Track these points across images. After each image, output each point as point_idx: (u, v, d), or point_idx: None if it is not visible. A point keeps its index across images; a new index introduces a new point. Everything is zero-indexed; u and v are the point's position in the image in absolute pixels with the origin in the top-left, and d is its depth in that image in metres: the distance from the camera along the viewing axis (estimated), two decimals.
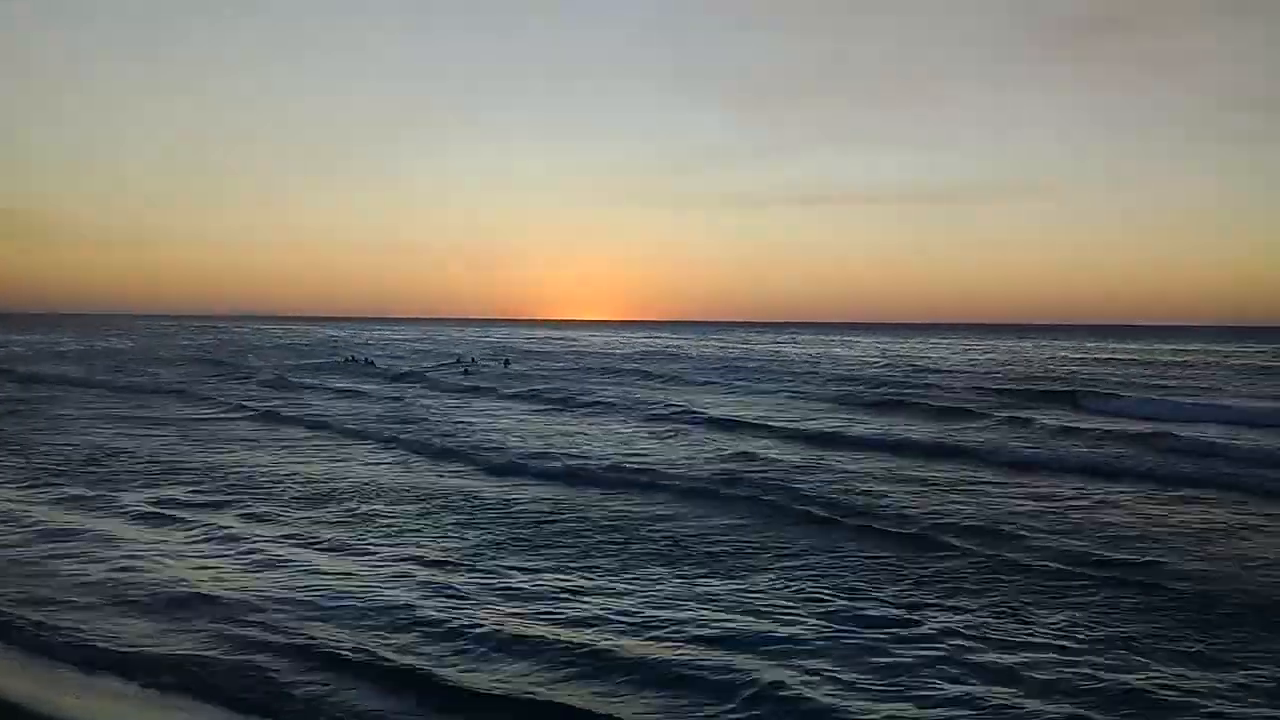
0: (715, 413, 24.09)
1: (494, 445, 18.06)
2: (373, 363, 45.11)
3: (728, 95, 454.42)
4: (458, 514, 12.03)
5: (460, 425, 21.27)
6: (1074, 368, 46.79)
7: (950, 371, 42.86)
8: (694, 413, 23.95)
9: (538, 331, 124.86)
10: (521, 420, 22.90)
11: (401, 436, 19.18)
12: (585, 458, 16.67)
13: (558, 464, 15.88)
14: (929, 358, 56.88)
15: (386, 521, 11.50)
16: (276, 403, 26.11)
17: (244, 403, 25.85)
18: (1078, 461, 16.94)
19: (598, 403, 27.06)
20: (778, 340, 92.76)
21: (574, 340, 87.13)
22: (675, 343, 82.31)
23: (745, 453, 17.22)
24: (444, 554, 9.89)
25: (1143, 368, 46.76)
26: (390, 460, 16.61)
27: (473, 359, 48.67)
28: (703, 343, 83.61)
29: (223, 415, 23.36)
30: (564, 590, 8.60)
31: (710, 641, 7.22)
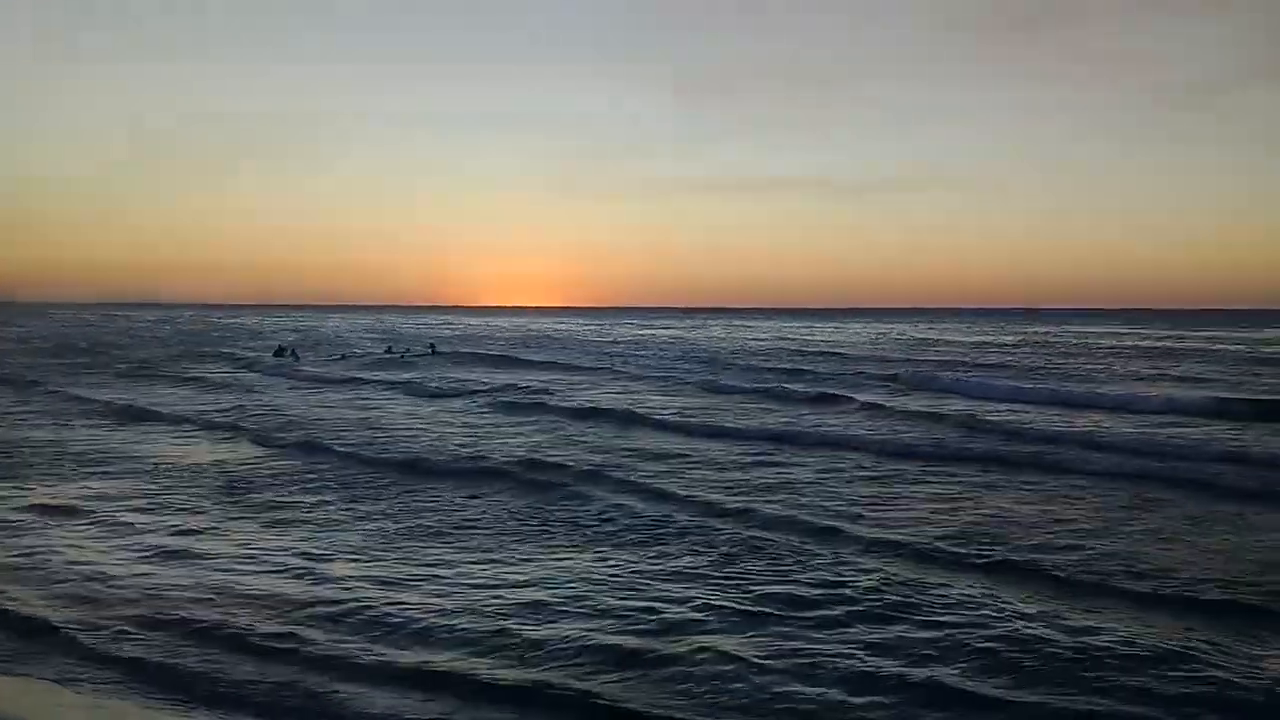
0: (576, 398, 25.24)
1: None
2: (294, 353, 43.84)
3: (656, 85, 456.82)
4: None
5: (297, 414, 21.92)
6: (951, 350, 49.15)
7: (827, 354, 44.75)
8: (547, 395, 25.47)
9: (470, 319, 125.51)
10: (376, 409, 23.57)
11: (241, 424, 19.97)
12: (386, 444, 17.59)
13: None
14: (829, 341, 59.31)
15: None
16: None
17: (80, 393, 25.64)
18: (825, 436, 18.35)
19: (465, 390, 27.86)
20: (693, 326, 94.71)
21: (503, 327, 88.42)
22: (589, 327, 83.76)
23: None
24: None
25: (1004, 351, 49.17)
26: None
27: (406, 349, 47.61)
28: (619, 328, 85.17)
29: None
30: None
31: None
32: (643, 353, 47.07)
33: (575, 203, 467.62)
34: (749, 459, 15.63)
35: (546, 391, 26.65)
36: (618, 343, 57.81)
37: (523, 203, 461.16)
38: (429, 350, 46.36)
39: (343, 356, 42.30)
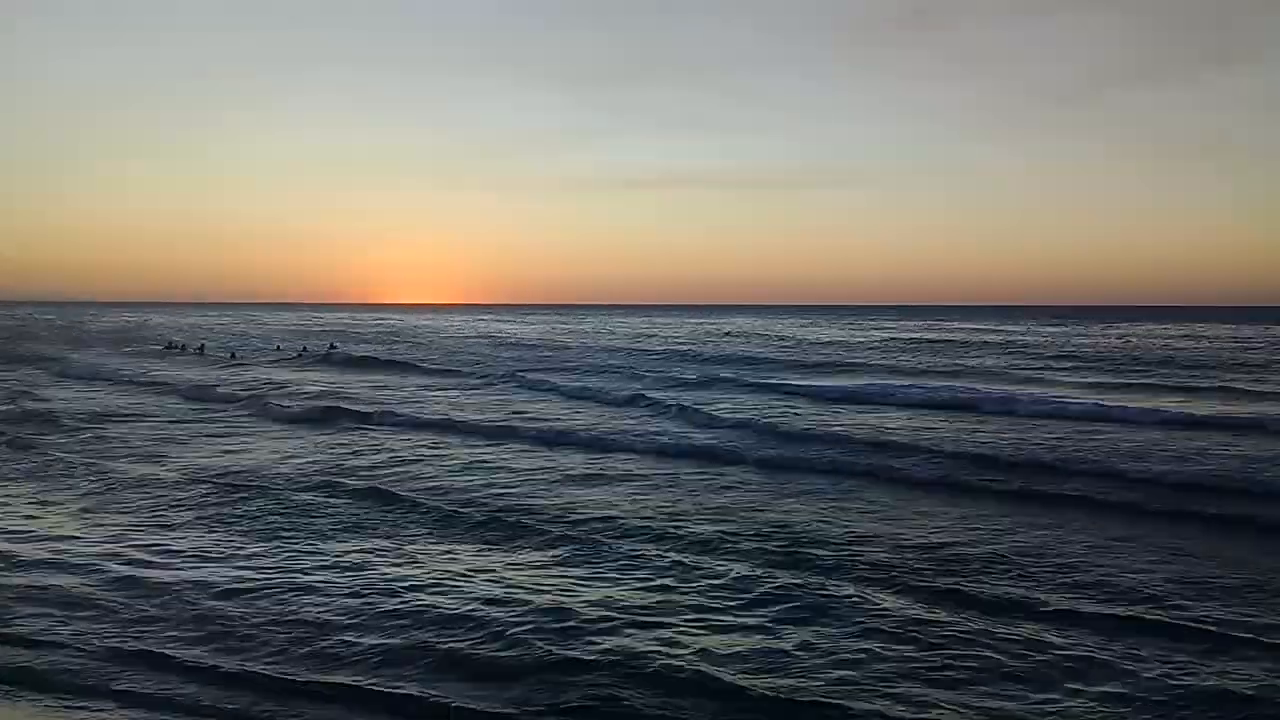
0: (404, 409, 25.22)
1: None
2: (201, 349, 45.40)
3: (558, 81, 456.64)
4: None
5: None
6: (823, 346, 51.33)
7: (650, 351, 45.94)
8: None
9: (364, 315, 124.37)
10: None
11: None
12: None
13: None
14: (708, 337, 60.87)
15: None
16: None
17: None
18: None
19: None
20: (581, 323, 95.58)
21: (402, 324, 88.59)
22: (482, 327, 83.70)
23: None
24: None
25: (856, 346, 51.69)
26: None
27: (304, 347, 47.40)
28: (522, 326, 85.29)
29: None
30: None
31: None
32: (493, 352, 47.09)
33: (465, 197, 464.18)
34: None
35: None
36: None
37: (413, 199, 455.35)
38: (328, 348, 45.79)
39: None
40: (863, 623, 7.51)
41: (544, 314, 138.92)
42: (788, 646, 7.05)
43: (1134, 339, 58.01)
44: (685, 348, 48.44)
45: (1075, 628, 7.53)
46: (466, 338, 61.26)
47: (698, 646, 7.03)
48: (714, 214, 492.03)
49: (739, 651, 6.96)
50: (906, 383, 27.44)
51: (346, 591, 8.38)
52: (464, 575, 8.85)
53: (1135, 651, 7.04)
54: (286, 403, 23.28)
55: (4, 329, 69.81)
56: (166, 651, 7.11)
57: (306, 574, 8.99)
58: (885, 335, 63.56)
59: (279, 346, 49.14)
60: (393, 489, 13.02)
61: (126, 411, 22.25)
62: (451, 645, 7.11)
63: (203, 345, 48.15)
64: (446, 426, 19.84)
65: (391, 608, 7.90)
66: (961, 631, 7.35)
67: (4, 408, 22.40)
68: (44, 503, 12.30)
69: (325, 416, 21.30)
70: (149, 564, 9.36)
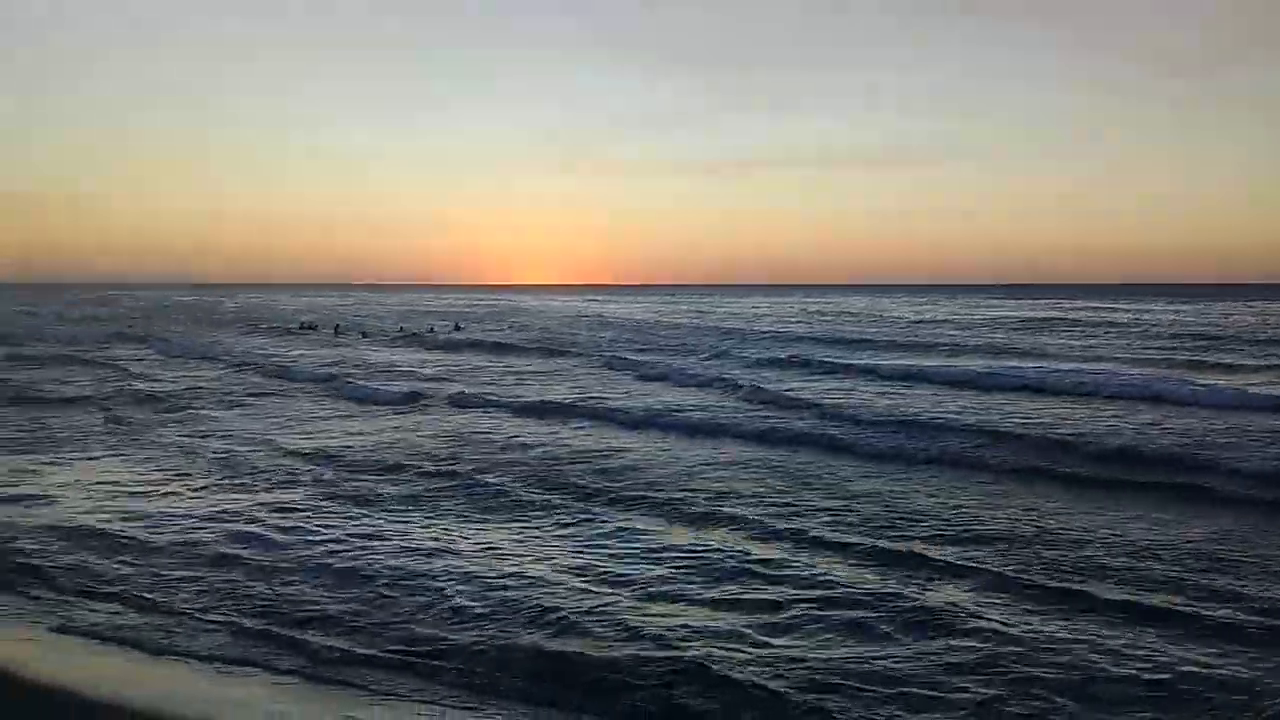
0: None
1: None
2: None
3: (669, 62, 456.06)
4: None
5: None
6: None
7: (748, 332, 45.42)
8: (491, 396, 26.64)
9: (480, 297, 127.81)
10: None
11: None
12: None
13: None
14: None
15: None
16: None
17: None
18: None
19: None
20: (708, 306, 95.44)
21: (524, 305, 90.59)
22: (600, 309, 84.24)
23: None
24: None
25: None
26: None
27: (432, 327, 50.79)
28: (626, 307, 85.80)
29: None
30: None
31: None
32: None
33: (580, 180, 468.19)
34: None
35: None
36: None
37: (526, 182, 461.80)
38: (453, 329, 49.13)
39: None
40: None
41: (659, 295, 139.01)
42: None
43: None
44: (791, 328, 47.55)
45: None
46: (580, 317, 62.05)
47: None
48: (827, 192, 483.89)
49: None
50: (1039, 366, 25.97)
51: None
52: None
53: None
54: (397, 384, 23.68)
55: (141, 309, 73.90)
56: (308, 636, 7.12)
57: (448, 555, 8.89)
58: (1017, 315, 61.09)
59: (401, 327, 51.19)
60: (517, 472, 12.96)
61: (257, 390, 23.11)
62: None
63: (337, 326, 50.32)
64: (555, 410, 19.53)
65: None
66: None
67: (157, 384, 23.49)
68: (179, 480, 12.61)
69: (425, 397, 21.58)
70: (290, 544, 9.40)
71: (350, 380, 24.18)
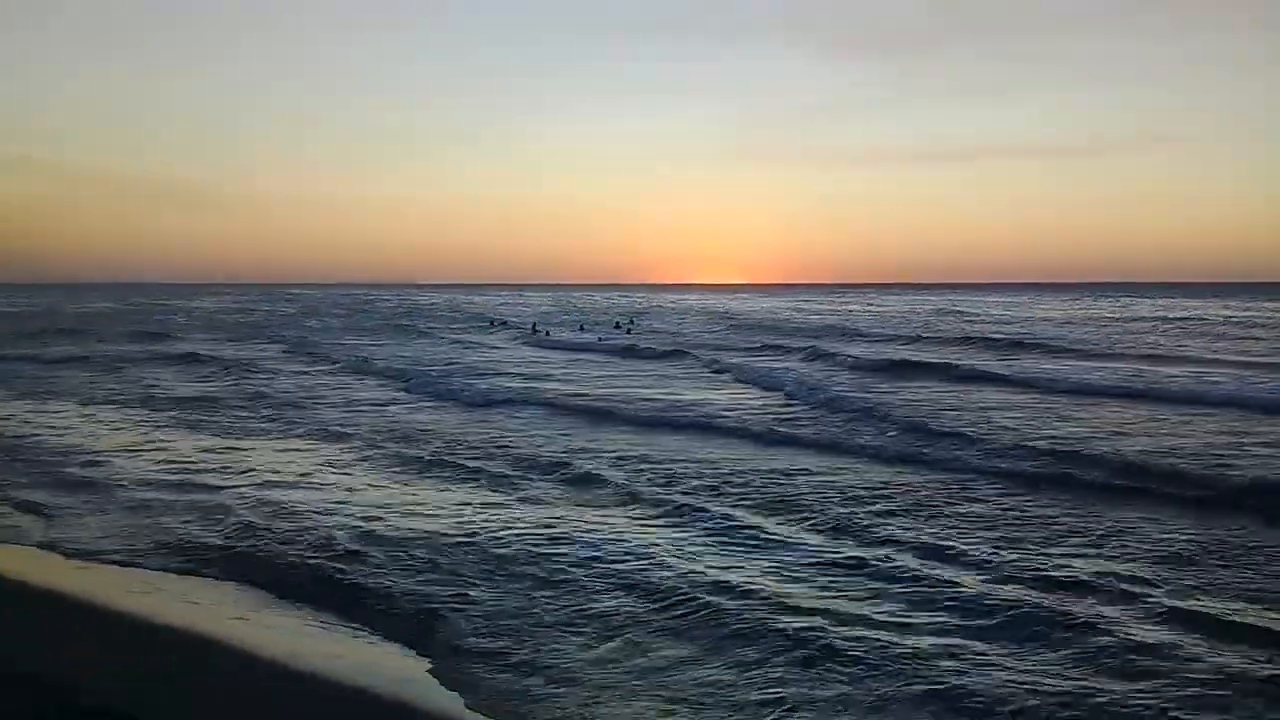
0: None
1: None
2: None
3: (854, 48, 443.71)
4: None
5: None
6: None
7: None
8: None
9: (652, 296, 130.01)
10: None
11: None
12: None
13: None
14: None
15: None
16: None
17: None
18: None
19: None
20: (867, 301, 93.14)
21: (691, 303, 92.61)
22: (769, 307, 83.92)
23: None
24: None
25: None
26: None
27: (620, 322, 54.12)
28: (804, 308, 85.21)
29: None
30: None
31: None
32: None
33: (750, 173, 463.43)
34: None
35: None
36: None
37: (695, 175, 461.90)
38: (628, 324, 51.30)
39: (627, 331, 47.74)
40: None
41: (842, 293, 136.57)
42: None
43: None
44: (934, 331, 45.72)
45: None
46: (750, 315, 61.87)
47: None
48: (1020, 185, 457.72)
49: None
50: None
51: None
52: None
53: None
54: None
55: (346, 306, 79.35)
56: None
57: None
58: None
59: (582, 326, 52.71)
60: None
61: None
62: None
63: (534, 324, 51.48)
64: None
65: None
66: None
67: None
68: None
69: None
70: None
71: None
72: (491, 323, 54.82)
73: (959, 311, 67.87)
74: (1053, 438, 15.05)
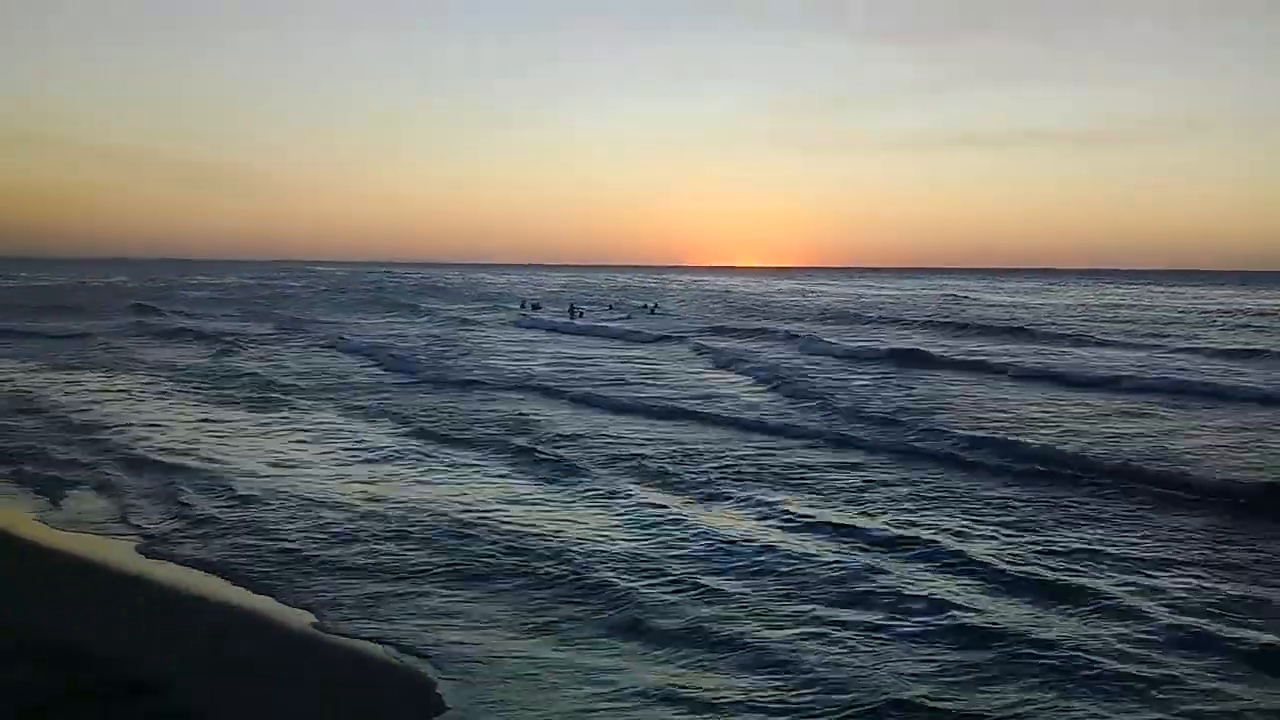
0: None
1: None
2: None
3: (895, 35, 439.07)
4: None
5: None
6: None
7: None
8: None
9: (684, 277, 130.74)
10: None
11: None
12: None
13: None
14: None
15: None
16: None
17: None
18: None
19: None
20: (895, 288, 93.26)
21: (713, 285, 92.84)
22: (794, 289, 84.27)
23: None
24: None
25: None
26: None
27: (648, 304, 54.23)
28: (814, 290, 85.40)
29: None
30: None
31: None
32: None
33: (786, 158, 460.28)
34: None
35: None
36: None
37: (728, 160, 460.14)
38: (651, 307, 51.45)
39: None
40: None
41: (879, 277, 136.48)
42: None
43: None
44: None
45: None
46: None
47: None
48: (1063, 171, 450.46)
49: None
50: None
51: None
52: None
53: None
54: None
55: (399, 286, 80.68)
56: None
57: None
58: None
59: (611, 306, 53.88)
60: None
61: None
62: None
63: (571, 306, 50.54)
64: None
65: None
66: None
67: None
68: None
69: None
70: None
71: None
72: (522, 303, 54.56)
73: (972, 298, 67.77)
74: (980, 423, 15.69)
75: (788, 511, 10.20)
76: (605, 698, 6.01)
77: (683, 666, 6.47)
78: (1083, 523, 9.99)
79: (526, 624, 7.19)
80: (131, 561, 8.77)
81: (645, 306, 52.85)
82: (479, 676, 6.30)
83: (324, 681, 6.39)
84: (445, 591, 7.93)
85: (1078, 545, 9.14)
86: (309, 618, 7.39)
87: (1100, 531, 9.64)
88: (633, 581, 8.00)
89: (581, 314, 45.92)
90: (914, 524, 9.84)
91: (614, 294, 70.87)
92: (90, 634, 6.85)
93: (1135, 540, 9.34)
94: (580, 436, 14.75)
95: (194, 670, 6.35)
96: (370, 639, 6.95)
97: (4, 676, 6.05)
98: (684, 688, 6.12)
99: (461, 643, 6.84)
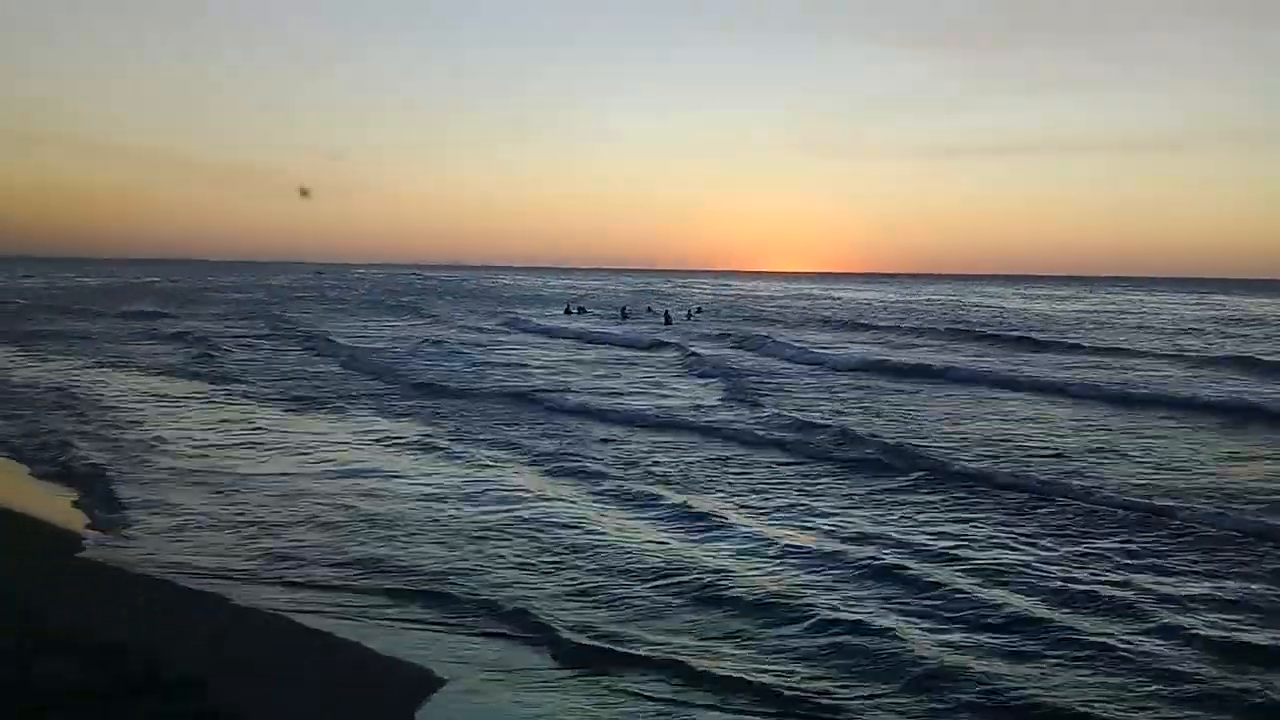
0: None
1: None
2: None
3: (921, 45, 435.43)
4: None
5: None
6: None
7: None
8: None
9: (716, 282, 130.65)
10: None
11: None
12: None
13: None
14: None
15: None
16: None
17: None
18: None
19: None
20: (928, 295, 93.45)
21: (750, 291, 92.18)
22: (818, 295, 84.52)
23: None
24: None
25: None
26: None
27: (690, 310, 52.12)
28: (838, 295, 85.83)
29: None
30: None
31: None
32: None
33: (825, 165, 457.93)
34: None
35: None
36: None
37: (767, 164, 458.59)
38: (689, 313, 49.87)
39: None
40: None
41: (903, 283, 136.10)
42: None
43: None
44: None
45: None
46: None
47: None
48: (1090, 179, 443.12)
49: None
50: None
51: None
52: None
53: None
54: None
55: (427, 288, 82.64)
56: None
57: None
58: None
59: (650, 309, 53.13)
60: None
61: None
62: None
63: (624, 308, 51.30)
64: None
65: None
66: None
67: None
68: None
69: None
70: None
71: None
72: (568, 309, 54.05)
73: (987, 305, 67.95)
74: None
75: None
76: None
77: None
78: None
79: None
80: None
81: (651, 309, 52.54)
82: None
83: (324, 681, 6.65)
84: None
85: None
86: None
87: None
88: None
89: (582, 310, 47.83)
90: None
91: (637, 297, 70.15)
92: (121, 631, 6.90)
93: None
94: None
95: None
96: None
97: (50, 669, 5.96)
98: None
99: None
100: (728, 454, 14.54)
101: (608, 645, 7.10)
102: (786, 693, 6.32)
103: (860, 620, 7.48)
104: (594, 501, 11.47)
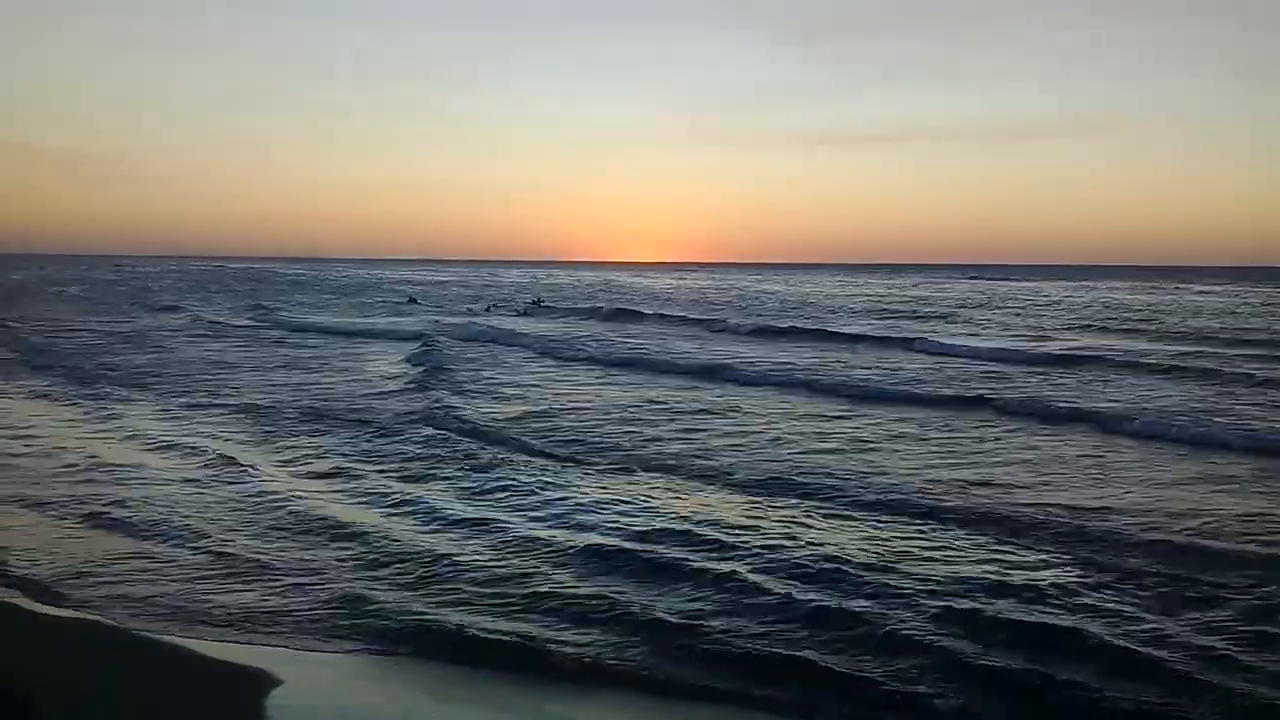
0: None
1: None
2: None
3: (791, 35, 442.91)
4: None
5: None
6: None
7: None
8: None
9: (578, 273, 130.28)
10: None
11: None
12: None
13: None
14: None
15: None
16: None
17: None
18: None
19: None
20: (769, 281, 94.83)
21: (610, 281, 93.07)
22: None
23: None
24: None
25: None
26: None
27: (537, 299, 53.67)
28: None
29: None
30: None
31: None
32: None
33: (694, 156, 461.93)
34: None
35: None
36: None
37: (650, 157, 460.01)
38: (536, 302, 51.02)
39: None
40: None
41: (778, 272, 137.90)
42: None
43: None
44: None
45: None
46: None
47: None
48: (953, 167, 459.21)
49: None
50: None
51: None
52: None
53: None
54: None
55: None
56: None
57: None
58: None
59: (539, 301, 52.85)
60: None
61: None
62: None
63: (536, 297, 54.52)
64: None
65: None
66: None
67: None
68: None
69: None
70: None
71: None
72: (411, 299, 54.27)
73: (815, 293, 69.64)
74: None
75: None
76: None
77: None
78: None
79: None
80: None
81: (538, 301, 53.15)
82: None
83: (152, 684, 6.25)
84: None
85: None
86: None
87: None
88: None
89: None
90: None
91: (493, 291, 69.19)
92: None
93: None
94: None
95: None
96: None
97: None
98: None
99: None
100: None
101: None
102: None
103: None
104: None
